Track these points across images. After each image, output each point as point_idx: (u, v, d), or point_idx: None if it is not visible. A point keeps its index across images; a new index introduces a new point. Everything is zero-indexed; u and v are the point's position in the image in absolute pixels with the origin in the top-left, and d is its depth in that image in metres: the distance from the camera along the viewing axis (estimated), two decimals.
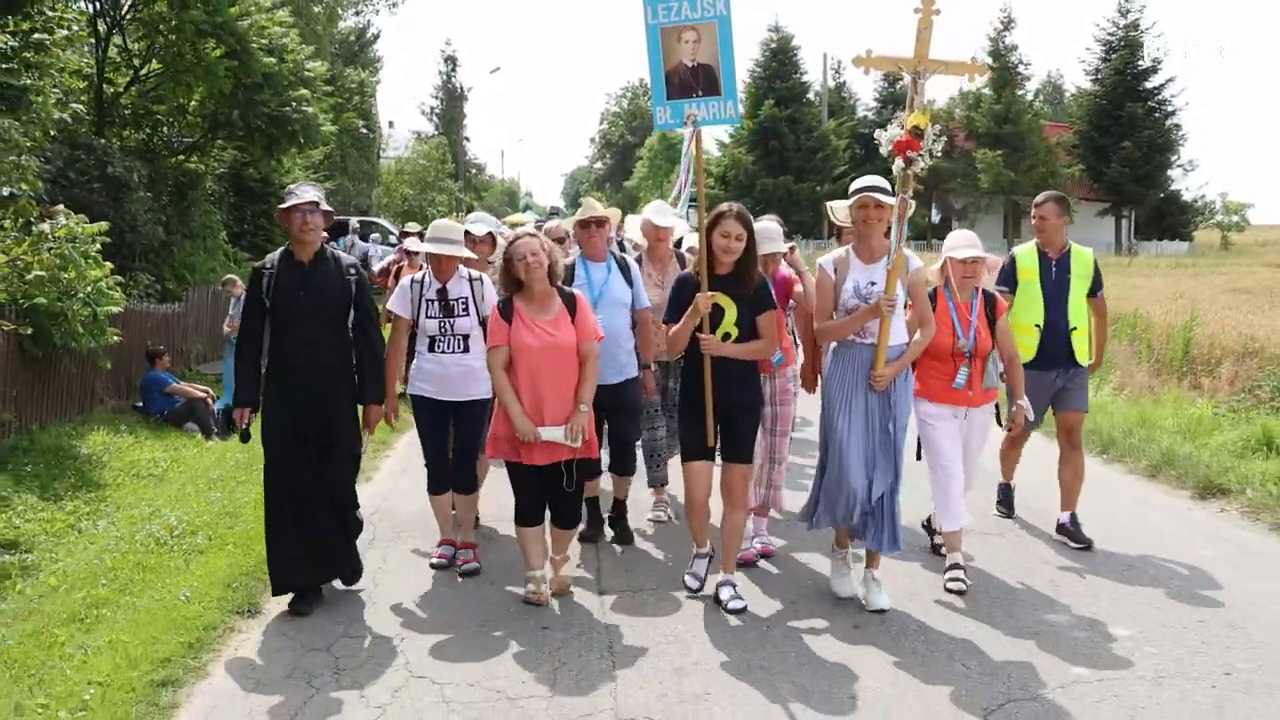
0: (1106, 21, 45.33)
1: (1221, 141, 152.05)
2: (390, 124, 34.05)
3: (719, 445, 4.91)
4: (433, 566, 5.49)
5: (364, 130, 25.16)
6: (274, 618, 4.89)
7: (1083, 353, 6.01)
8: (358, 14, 33.75)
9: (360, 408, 5.07)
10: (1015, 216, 42.25)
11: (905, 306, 4.86)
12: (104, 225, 9.02)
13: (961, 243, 5.42)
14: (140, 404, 10.22)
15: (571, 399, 4.79)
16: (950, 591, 5.09)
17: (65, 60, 9.10)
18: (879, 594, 4.86)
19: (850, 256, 4.82)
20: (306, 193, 4.83)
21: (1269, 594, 5.21)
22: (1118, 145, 41.16)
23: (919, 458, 5.43)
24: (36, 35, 8.06)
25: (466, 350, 5.28)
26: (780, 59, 43.94)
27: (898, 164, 4.60)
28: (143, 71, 14.49)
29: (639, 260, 6.13)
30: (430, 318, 5.29)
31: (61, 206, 9.03)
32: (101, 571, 5.50)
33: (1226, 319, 12.54)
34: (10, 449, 7.97)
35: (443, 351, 5.27)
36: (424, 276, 5.40)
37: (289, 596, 4.92)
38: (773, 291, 5.03)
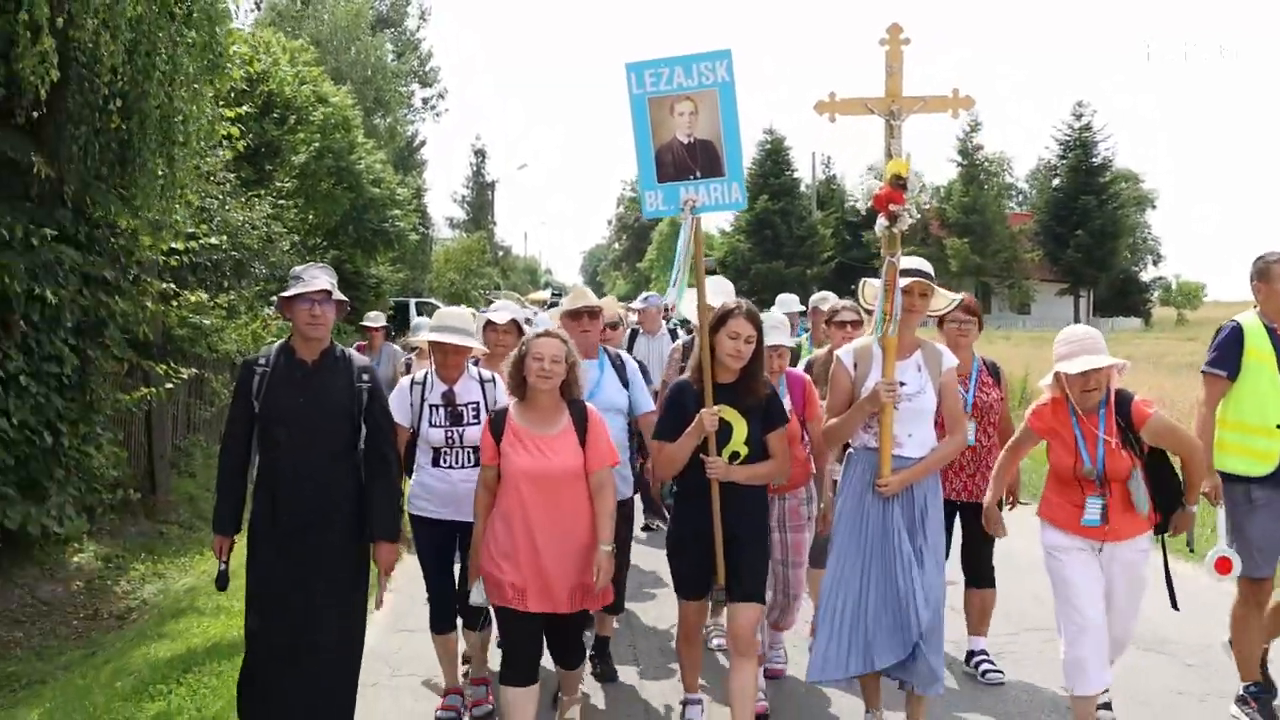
0: (1063, 124, 50.59)
1: (1202, 225, 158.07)
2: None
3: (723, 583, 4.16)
4: None
5: (421, 228, 30.78)
6: None
7: None
8: (410, 124, 40.01)
9: (372, 546, 4.12)
10: (985, 296, 47.50)
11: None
12: None
13: (1074, 348, 4.00)
14: None
15: (575, 532, 4.02)
16: None
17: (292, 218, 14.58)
18: None
19: (875, 349, 4.15)
20: (317, 278, 3.97)
21: None
22: (1073, 233, 46.60)
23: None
24: (278, 201, 13.38)
25: (479, 464, 4.35)
26: (774, 158, 48.88)
27: (880, 222, 4.01)
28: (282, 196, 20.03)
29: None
30: (435, 426, 4.59)
31: (274, 299, 14.33)
32: None
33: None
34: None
35: (450, 466, 4.58)
36: (426, 377, 4.70)
37: None
38: (786, 400, 4.52)
